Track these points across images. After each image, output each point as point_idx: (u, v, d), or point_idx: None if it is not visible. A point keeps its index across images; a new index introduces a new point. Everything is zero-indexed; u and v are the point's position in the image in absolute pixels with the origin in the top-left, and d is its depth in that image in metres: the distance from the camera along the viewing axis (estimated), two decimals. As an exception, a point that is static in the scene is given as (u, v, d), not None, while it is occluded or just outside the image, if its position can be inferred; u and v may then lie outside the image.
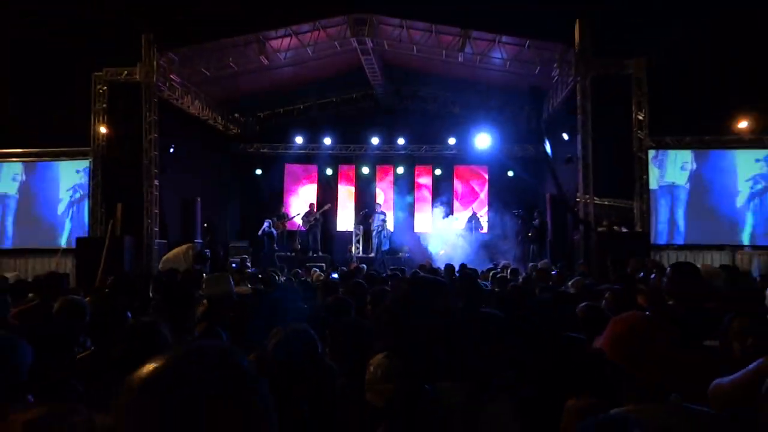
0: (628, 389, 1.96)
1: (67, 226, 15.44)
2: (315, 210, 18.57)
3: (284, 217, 19.09)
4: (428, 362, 2.68)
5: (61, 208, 15.58)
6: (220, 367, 1.01)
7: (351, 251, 18.56)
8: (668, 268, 4.55)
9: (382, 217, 18.45)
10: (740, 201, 14.66)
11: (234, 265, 14.13)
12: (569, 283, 7.03)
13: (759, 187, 14.66)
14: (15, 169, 15.82)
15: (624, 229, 14.65)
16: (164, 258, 11.47)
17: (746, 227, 14.65)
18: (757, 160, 14.77)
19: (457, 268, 9.49)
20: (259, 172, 20.74)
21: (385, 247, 17.47)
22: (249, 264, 15.17)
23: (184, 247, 11.60)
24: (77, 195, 15.54)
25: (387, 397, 2.47)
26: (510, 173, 19.52)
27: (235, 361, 1.04)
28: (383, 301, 4.02)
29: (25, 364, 1.95)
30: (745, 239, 14.65)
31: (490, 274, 9.16)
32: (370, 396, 2.59)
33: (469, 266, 10.33)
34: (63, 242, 15.29)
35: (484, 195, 20.31)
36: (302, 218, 18.61)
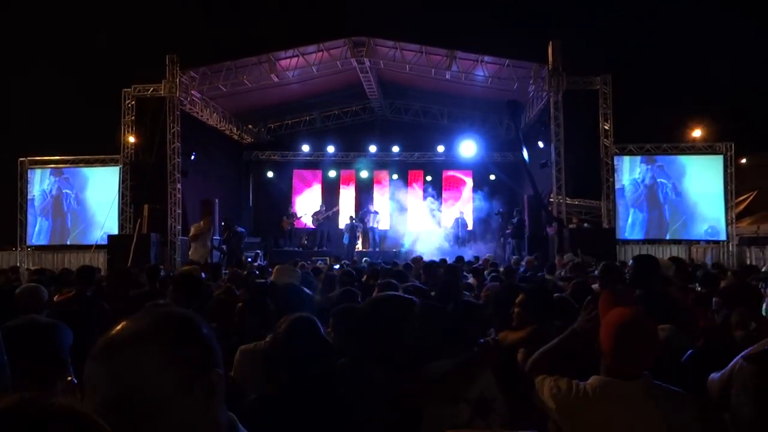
0: (605, 367, 1.94)
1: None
2: (324, 211, 18.54)
3: (293, 216, 19.05)
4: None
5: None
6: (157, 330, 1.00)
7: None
8: (630, 260, 4.53)
9: (377, 217, 18.47)
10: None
11: (249, 259, 14.10)
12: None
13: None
14: (55, 173, 15.76)
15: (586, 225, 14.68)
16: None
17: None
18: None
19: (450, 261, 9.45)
20: (270, 175, 20.69)
21: (346, 240, 17.28)
22: (261, 258, 15.15)
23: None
24: (47, 199, 15.58)
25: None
26: (492, 177, 19.53)
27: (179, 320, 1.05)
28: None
29: (67, 345, 1.94)
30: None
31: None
32: None
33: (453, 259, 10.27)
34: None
35: (469, 196, 20.29)
36: (312, 216, 18.58)
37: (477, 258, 12.73)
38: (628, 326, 1.92)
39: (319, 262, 13.59)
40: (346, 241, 17.12)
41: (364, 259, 13.75)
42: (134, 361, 0.95)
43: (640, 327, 1.93)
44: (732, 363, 2.08)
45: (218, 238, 14.91)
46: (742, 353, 2.08)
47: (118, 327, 1.01)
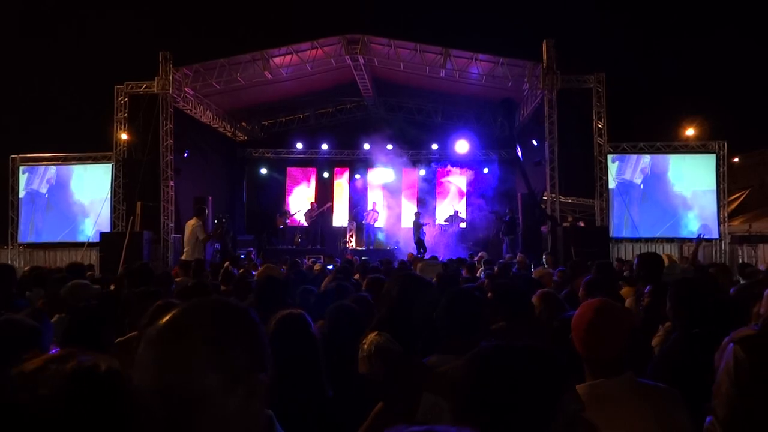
0: (587, 366, 1.93)
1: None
2: (317, 207, 18.49)
3: (286, 214, 19.01)
4: (418, 339, 2.73)
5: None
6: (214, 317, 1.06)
7: (345, 245, 18.49)
8: (636, 258, 4.58)
9: (375, 215, 18.46)
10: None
11: (242, 256, 14.06)
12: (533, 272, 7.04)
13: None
14: (47, 171, 15.68)
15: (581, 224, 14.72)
16: (186, 249, 11.16)
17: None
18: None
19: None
20: (264, 172, 20.65)
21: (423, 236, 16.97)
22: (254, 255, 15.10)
23: (190, 222, 11.21)
24: (39, 196, 15.53)
25: (383, 372, 2.46)
26: (486, 170, 19.49)
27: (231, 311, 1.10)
28: (379, 288, 4.03)
29: (49, 342, 1.95)
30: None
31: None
32: (362, 369, 2.57)
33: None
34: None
35: (463, 194, 20.32)
36: (305, 214, 18.53)
37: (472, 255, 12.78)
38: (592, 317, 1.93)
39: (317, 261, 13.55)
40: (423, 236, 16.47)
41: (357, 257, 13.72)
42: (184, 356, 0.99)
43: (603, 313, 1.94)
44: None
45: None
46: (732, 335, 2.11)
47: (174, 315, 1.04)
